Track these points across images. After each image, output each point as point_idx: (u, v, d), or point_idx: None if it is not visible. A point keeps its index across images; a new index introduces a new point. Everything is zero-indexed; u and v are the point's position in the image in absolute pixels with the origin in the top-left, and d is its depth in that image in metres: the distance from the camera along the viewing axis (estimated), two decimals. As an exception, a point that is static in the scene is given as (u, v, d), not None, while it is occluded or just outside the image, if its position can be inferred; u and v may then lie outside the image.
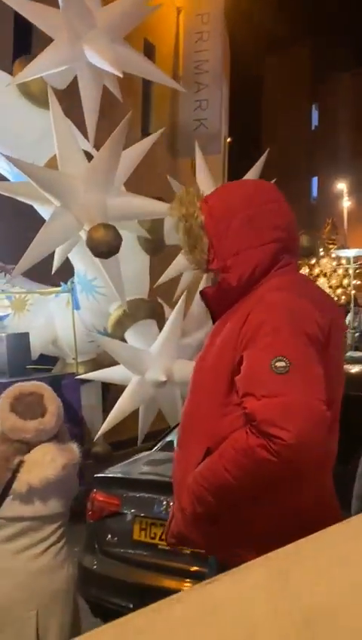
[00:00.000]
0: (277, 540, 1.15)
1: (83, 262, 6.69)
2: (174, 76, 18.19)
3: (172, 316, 6.52)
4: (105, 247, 5.48)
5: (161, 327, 6.76)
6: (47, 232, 5.71)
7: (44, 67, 5.97)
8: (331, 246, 30.72)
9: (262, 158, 7.04)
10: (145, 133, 16.40)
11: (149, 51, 17.16)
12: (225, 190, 2.39)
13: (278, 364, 1.92)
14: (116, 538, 4.09)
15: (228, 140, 22.81)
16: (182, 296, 6.57)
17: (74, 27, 5.95)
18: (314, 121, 50.32)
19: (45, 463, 2.86)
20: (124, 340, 6.97)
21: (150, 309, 6.97)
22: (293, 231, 2.31)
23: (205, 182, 6.74)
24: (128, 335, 6.90)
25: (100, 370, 6.93)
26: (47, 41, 5.98)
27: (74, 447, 3.07)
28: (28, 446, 2.91)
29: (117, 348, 6.49)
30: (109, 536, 4.13)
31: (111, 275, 5.95)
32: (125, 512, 4.09)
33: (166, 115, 18.10)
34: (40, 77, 6.14)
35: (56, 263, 6.18)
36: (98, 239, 5.45)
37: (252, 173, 6.76)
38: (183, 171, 17.31)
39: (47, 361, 7.89)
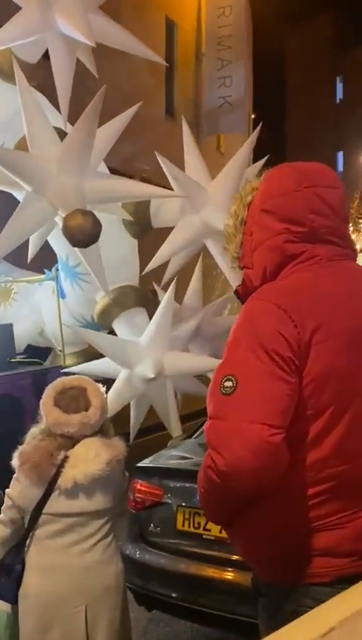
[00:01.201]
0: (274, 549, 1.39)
1: (63, 247, 6.25)
2: (197, 53, 17.75)
3: (161, 304, 6.07)
4: (82, 235, 5.04)
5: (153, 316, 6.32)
6: (18, 220, 5.27)
7: (11, 38, 5.50)
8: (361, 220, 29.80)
9: (253, 135, 6.50)
10: (170, 112, 15.97)
11: (170, 29, 16.81)
12: (262, 181, 2.26)
13: (226, 383, 1.91)
14: (159, 528, 4.14)
15: (252, 116, 22.33)
16: (173, 283, 6.10)
17: (43, -7, 5.47)
18: (339, 94, 49.08)
19: (90, 459, 2.85)
20: (112, 331, 6.57)
21: (139, 296, 6.53)
22: (326, 217, 2.11)
23: (194, 165, 6.26)
24: (116, 325, 6.49)
25: (86, 364, 6.52)
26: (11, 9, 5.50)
27: (119, 442, 3.04)
28: (72, 441, 2.90)
29: (99, 340, 6.08)
30: (152, 525, 4.19)
31: (91, 261, 5.51)
32: (168, 501, 4.13)
33: (190, 93, 17.70)
34: (9, 50, 5.69)
35: (31, 251, 5.78)
36: (75, 227, 5.01)
37: (244, 150, 6.24)
38: (208, 150, 16.98)
39: (41, 352, 7.54)
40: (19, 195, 5.68)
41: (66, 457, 2.86)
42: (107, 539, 2.98)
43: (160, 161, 5.87)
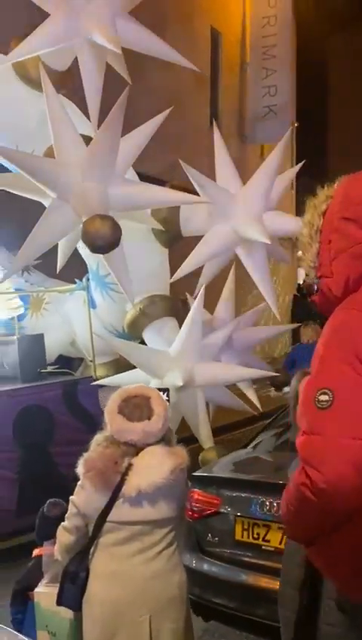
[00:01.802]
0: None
1: (93, 256, 6.17)
2: (241, 63, 17.76)
3: (190, 314, 5.93)
4: (101, 241, 4.95)
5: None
6: (43, 227, 5.22)
7: (39, 46, 5.48)
8: None
9: (283, 141, 6.30)
10: (213, 122, 15.89)
11: (215, 39, 16.92)
12: (338, 188, 2.19)
13: (321, 397, 1.86)
14: (217, 538, 4.10)
15: (295, 124, 22.26)
16: (201, 292, 5.95)
17: (72, 0, 5.43)
18: (387, 104, 48.35)
19: (153, 467, 2.85)
20: (143, 341, 6.46)
21: (168, 306, 6.39)
22: None
23: (226, 173, 6.11)
24: (146, 335, 6.37)
25: (116, 375, 6.42)
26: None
27: (182, 450, 3.03)
28: (135, 448, 2.90)
29: (130, 350, 5.97)
30: (209, 535, 4.14)
31: (117, 270, 5.42)
32: (225, 511, 4.07)
33: (234, 102, 17.73)
34: (37, 58, 5.65)
35: (60, 260, 5.72)
36: (93, 232, 4.92)
37: (274, 157, 6.07)
38: (252, 159, 16.91)
39: (72, 363, 7.47)
40: (46, 203, 5.62)
41: (130, 465, 2.86)
42: (171, 548, 2.96)
43: (184, 169, 5.75)
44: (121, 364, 7.01)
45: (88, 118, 5.89)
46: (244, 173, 6.23)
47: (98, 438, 3.01)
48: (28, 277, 7.32)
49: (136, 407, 2.96)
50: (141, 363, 6.02)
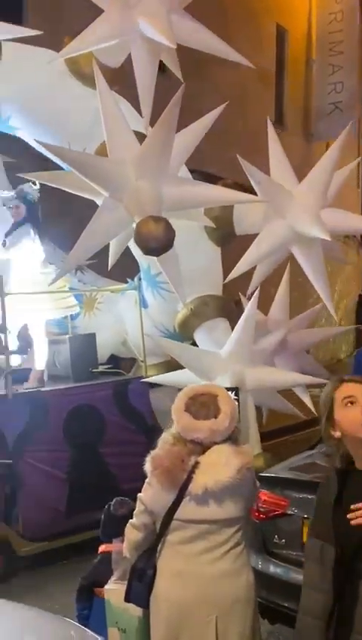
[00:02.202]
0: None
1: (144, 255, 6.08)
2: (307, 60, 17.53)
3: (243, 315, 5.79)
4: (155, 243, 4.85)
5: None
6: (95, 227, 5.15)
7: (92, 42, 5.41)
8: None
9: (341, 137, 6.06)
10: (279, 119, 15.75)
11: (281, 36, 16.71)
12: None
13: None
14: (284, 539, 4.04)
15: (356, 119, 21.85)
16: (256, 293, 5.80)
17: (124, -6, 5.36)
18: None
19: (220, 466, 2.83)
20: (194, 342, 6.34)
21: (220, 306, 6.26)
22: None
23: (280, 169, 5.93)
24: (197, 335, 6.26)
25: (167, 374, 6.32)
26: (40, 11, 5.41)
27: (249, 449, 3.05)
28: (202, 447, 2.88)
29: (180, 351, 5.87)
30: (276, 537, 4.09)
31: (168, 270, 5.32)
32: (293, 513, 4.00)
33: (300, 99, 17.51)
34: (90, 54, 5.60)
35: (111, 259, 5.65)
36: (147, 235, 4.82)
37: (331, 153, 5.86)
38: (318, 156, 16.51)
39: (124, 363, 7.42)
40: (99, 202, 5.56)
41: (197, 463, 2.84)
42: (238, 548, 2.93)
43: (242, 165, 5.59)
44: (173, 366, 6.92)
45: (141, 115, 5.80)
46: (309, 170, 6.03)
47: (165, 436, 3.01)
48: (81, 276, 7.31)
49: (202, 405, 2.95)
50: (191, 364, 5.91)
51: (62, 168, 5.95)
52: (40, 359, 6.39)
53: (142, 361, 6.83)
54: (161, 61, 5.91)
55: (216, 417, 2.91)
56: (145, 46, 5.55)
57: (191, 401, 2.97)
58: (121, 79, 6.11)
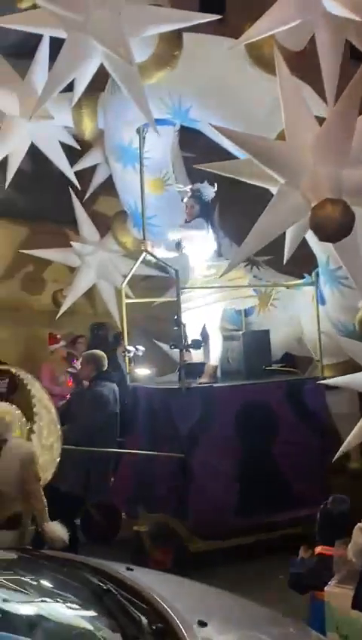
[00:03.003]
0: None
1: (323, 248, 5.77)
2: None
3: None
4: (332, 227, 4.53)
5: None
6: (270, 215, 4.93)
7: (273, 25, 5.19)
8: None
9: None
10: None
11: None
12: None
13: None
14: None
15: None
16: None
17: (309, -28, 5.09)
18: None
19: None
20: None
21: None
22: None
23: None
24: (381, 335, 5.79)
25: (346, 376, 5.92)
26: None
27: None
28: None
29: (358, 349, 5.46)
30: None
31: (348, 262, 4.97)
32: None
33: None
34: (272, 39, 5.40)
35: (287, 251, 5.38)
36: (323, 218, 4.52)
37: None
38: None
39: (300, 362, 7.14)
40: (274, 190, 5.34)
41: None
42: None
43: None
44: (353, 367, 6.51)
45: (325, 100, 5.50)
46: None
47: None
48: (257, 272, 7.12)
49: None
50: (372, 365, 5.49)
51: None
52: (214, 354, 6.30)
53: (318, 361, 6.50)
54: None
55: None
56: (329, 25, 5.23)
57: None
58: (304, 63, 5.84)
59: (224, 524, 5.90)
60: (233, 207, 7.54)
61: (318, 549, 3.61)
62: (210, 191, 6.33)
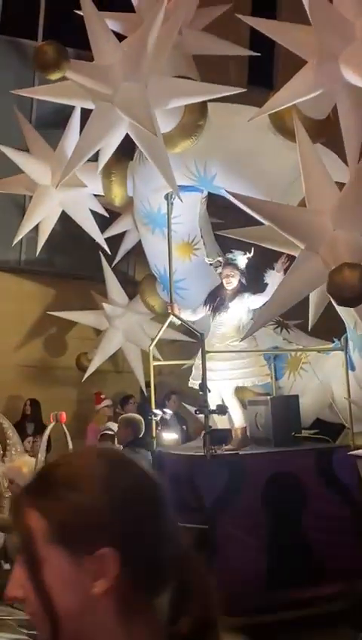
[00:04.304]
0: None
1: (349, 313, 5.66)
2: None
3: None
4: (350, 292, 4.46)
5: None
6: (291, 280, 4.92)
7: (294, 95, 5.28)
8: None
9: None
10: None
11: None
12: None
13: None
14: None
15: None
16: None
17: (328, 44, 5.16)
18: None
19: None
20: None
21: None
22: None
23: None
24: None
25: (376, 445, 5.73)
26: (290, 68, 5.30)
27: None
28: None
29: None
30: None
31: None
32: None
33: None
34: (294, 108, 5.46)
35: (312, 317, 5.34)
36: (340, 283, 4.46)
37: None
38: None
39: (330, 429, 6.92)
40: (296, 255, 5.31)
41: None
42: None
43: None
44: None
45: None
46: None
47: None
48: (286, 335, 7.03)
49: None
50: None
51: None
52: (236, 419, 6.18)
53: (348, 428, 6.30)
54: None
55: None
56: (350, 94, 5.27)
57: None
58: (328, 131, 5.88)
59: (251, 601, 5.64)
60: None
61: None
62: (243, 261, 6.12)
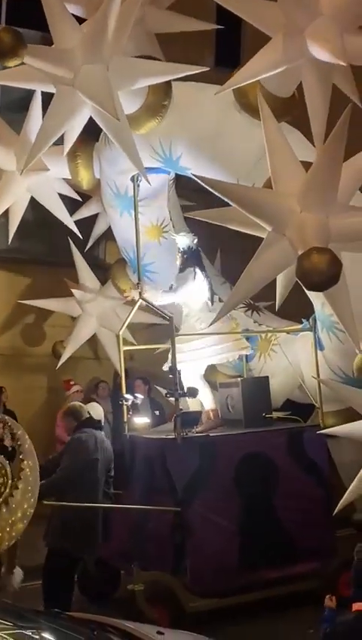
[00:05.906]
0: None
1: (317, 294, 5.65)
2: None
3: None
4: (318, 277, 4.43)
5: None
6: (258, 263, 4.86)
7: (259, 70, 5.18)
8: None
9: None
10: None
11: None
12: None
13: None
14: None
15: None
16: None
17: (294, 19, 5.07)
18: None
19: None
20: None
21: None
22: None
23: None
24: (380, 381, 5.64)
25: (346, 425, 5.75)
26: (258, 49, 5.21)
27: None
28: None
29: (358, 398, 5.30)
30: None
31: (339, 309, 4.86)
32: None
33: None
34: (260, 86, 5.39)
35: (278, 298, 5.29)
36: (309, 268, 4.42)
37: None
38: None
39: (301, 409, 6.95)
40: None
41: None
42: None
43: None
44: (356, 414, 6.33)
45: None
46: None
47: None
48: (257, 317, 7.03)
49: None
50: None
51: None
52: (206, 401, 6.16)
53: (318, 408, 6.33)
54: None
55: None
56: (315, 71, 5.21)
57: None
58: (294, 109, 5.83)
59: (224, 582, 5.68)
60: (234, 254, 7.49)
61: (356, 606, 3.43)
62: (183, 241, 6.41)
